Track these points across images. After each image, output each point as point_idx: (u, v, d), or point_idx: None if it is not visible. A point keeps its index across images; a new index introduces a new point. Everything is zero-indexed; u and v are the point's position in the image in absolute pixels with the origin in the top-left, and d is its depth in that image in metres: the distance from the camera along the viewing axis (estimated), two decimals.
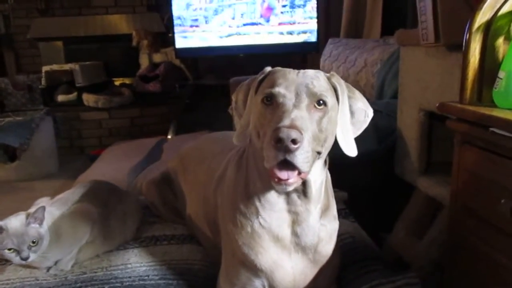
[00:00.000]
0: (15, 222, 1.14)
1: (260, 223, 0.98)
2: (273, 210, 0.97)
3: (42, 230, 1.15)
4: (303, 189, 0.95)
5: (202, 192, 1.27)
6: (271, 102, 0.88)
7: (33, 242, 1.13)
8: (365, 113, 0.98)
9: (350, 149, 0.94)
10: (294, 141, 0.78)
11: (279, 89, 0.88)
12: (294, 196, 0.96)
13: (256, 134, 0.91)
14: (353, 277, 1.17)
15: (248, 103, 0.97)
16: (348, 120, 0.95)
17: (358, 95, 0.99)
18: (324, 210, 1.02)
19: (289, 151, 0.79)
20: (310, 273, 1.02)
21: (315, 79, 0.90)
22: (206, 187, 1.24)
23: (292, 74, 0.92)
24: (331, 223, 1.05)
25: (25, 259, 1.13)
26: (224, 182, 1.12)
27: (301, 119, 0.83)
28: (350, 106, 0.96)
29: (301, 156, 0.80)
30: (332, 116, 0.90)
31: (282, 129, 0.78)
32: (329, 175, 1.05)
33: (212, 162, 1.28)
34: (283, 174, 0.83)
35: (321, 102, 0.88)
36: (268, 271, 0.98)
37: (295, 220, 0.98)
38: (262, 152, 0.86)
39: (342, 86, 0.95)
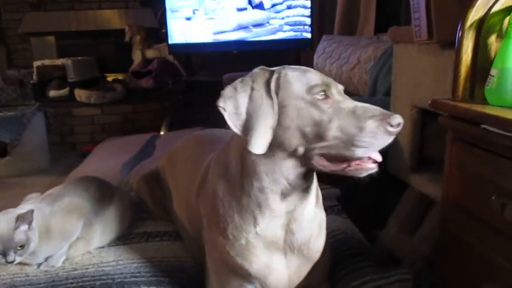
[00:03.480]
0: (2, 224, 1.10)
1: (257, 232, 0.95)
2: (271, 215, 0.94)
3: (31, 232, 1.13)
4: (309, 183, 0.95)
5: (185, 196, 1.24)
6: (326, 96, 0.87)
7: (20, 246, 1.11)
8: None
9: None
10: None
11: (328, 80, 0.90)
12: (298, 193, 0.94)
13: (299, 135, 0.86)
14: (345, 273, 1.17)
15: (262, 109, 0.87)
16: None
17: None
18: (316, 197, 1.03)
19: (393, 135, 0.83)
20: (304, 270, 1.02)
21: None
22: (188, 192, 1.21)
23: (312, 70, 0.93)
24: (321, 210, 1.05)
25: (11, 262, 1.10)
26: (206, 191, 1.07)
27: None
28: None
29: None
30: None
31: (394, 115, 0.81)
32: None
33: (193, 166, 1.25)
34: (379, 156, 0.85)
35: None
36: (262, 277, 0.97)
37: (291, 218, 0.96)
38: (310, 153, 0.85)
39: None
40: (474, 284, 0.97)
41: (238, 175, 0.95)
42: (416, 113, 1.50)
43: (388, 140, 0.83)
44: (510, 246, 0.86)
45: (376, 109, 0.84)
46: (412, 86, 1.50)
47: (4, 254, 1.09)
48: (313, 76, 0.89)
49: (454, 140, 1.03)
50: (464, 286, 1.02)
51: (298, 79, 0.89)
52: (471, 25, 1.00)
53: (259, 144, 0.86)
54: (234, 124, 0.88)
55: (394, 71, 1.64)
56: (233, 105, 0.88)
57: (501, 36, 0.99)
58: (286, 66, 0.93)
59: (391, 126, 0.81)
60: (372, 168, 0.85)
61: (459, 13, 1.02)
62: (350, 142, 0.82)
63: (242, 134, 0.87)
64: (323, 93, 0.87)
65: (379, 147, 0.83)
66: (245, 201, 0.94)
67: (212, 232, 1.02)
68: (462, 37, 1.01)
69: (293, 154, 0.88)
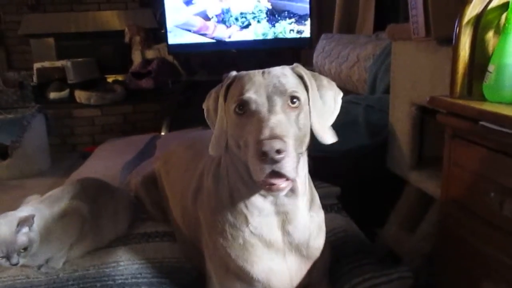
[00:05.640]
0: (4, 228, 1.10)
1: (251, 231, 0.96)
2: (262, 215, 0.95)
3: (32, 234, 1.13)
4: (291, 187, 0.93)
5: (180, 201, 1.24)
6: (244, 111, 0.85)
7: (23, 249, 1.11)
8: (334, 99, 0.96)
9: (327, 137, 0.91)
10: (278, 151, 0.76)
11: (249, 95, 0.84)
12: (282, 196, 0.93)
13: (235, 144, 0.88)
14: (345, 271, 1.17)
15: (219, 112, 0.93)
16: (321, 107, 0.92)
17: (325, 81, 0.96)
18: (310, 201, 1.02)
19: (275, 162, 0.77)
20: (304, 269, 1.02)
21: (282, 76, 0.88)
22: (184, 197, 1.21)
23: (258, 76, 0.88)
24: (318, 213, 1.05)
25: (15, 264, 1.11)
26: (202, 195, 1.08)
27: (280, 124, 0.80)
28: (321, 96, 0.93)
29: (288, 164, 0.78)
30: (306, 110, 0.88)
31: (264, 142, 0.75)
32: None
33: (186, 172, 1.25)
34: (274, 180, 0.81)
35: (294, 99, 0.85)
36: (265, 280, 0.97)
37: (285, 220, 0.97)
38: (245, 161, 0.85)
39: (308, 75, 0.93)
40: (474, 280, 0.97)
41: (225, 173, 0.99)
42: (415, 111, 1.50)
43: (264, 169, 0.78)
44: (509, 243, 0.86)
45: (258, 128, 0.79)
46: (410, 83, 1.50)
47: (8, 257, 1.10)
48: (242, 87, 0.87)
49: (452, 137, 1.03)
50: (464, 283, 1.02)
51: (233, 89, 0.90)
52: (468, 22, 0.99)
53: (214, 146, 0.93)
54: (209, 123, 0.96)
55: (392, 68, 1.64)
56: (206, 107, 0.97)
57: (498, 32, 0.99)
58: (243, 72, 0.93)
59: (259, 155, 0.77)
60: (271, 191, 0.83)
61: (457, 10, 1.02)
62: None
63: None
64: (241, 107, 0.86)
65: (261, 174, 0.79)
66: (235, 200, 0.97)
67: (212, 235, 1.02)
68: (459, 33, 1.00)
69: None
